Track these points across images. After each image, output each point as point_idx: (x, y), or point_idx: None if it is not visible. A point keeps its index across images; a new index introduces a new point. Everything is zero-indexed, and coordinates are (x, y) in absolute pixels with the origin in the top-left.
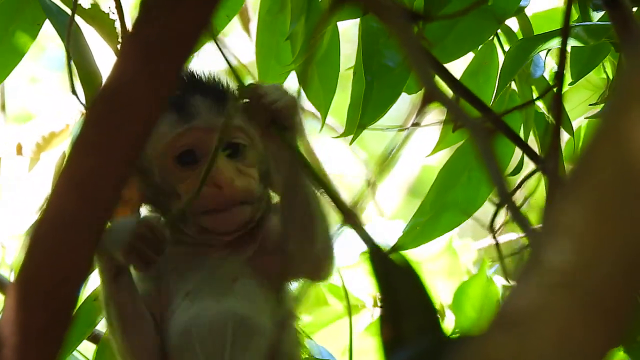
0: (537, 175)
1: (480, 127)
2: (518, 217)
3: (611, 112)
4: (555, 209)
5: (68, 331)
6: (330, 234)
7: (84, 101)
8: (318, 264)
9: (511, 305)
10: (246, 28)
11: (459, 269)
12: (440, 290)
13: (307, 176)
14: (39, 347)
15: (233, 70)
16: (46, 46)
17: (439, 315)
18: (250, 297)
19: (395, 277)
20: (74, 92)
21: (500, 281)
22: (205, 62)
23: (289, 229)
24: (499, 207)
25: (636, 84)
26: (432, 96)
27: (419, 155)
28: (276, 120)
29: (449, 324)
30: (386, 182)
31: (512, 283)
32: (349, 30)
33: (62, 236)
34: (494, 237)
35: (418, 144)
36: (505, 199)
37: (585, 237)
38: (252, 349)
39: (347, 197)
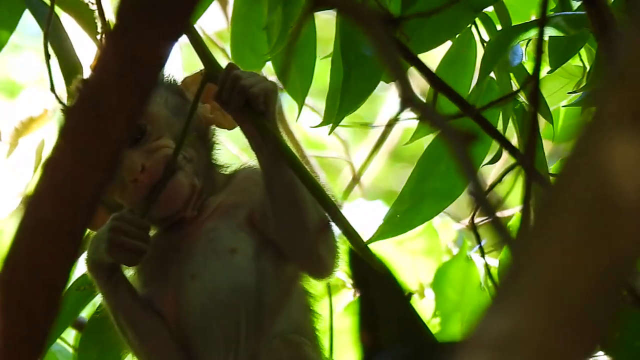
0: (516, 169)
1: (457, 134)
2: (495, 222)
3: (586, 135)
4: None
5: (49, 337)
6: (325, 226)
7: (64, 93)
8: (319, 260)
9: (487, 326)
10: (224, 10)
11: (439, 248)
12: (420, 269)
13: (286, 163)
14: (19, 354)
15: (205, 53)
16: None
17: (418, 322)
18: (252, 267)
19: (374, 283)
20: (52, 89)
21: (480, 262)
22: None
23: (276, 218)
24: (476, 209)
25: (612, 104)
26: (408, 102)
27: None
28: (251, 105)
29: (428, 305)
30: (367, 147)
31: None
32: (326, 17)
33: (42, 242)
34: (476, 233)
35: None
36: (482, 203)
37: (562, 258)
38: (264, 320)
39: (326, 179)
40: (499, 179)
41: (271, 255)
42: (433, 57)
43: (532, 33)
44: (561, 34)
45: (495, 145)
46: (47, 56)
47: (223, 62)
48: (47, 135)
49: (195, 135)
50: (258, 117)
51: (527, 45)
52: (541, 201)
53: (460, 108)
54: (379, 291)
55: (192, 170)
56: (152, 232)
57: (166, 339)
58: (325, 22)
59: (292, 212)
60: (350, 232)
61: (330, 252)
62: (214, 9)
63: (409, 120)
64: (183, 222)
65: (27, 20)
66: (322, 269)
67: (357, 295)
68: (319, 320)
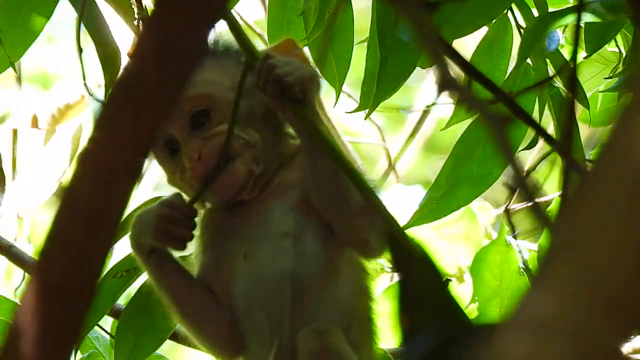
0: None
1: (495, 116)
2: (534, 207)
3: (623, 119)
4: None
5: (85, 324)
6: (368, 209)
7: (101, 80)
8: (365, 243)
9: (526, 308)
10: None
11: (477, 233)
12: (460, 254)
13: (324, 149)
14: (56, 338)
15: (244, 40)
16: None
17: (456, 306)
18: (303, 253)
19: (412, 267)
20: (85, 85)
21: (519, 246)
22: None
23: (320, 202)
24: (512, 192)
25: None
26: (446, 85)
27: (436, 110)
28: (287, 94)
29: (467, 290)
30: (402, 136)
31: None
32: (362, 3)
33: (78, 230)
34: (509, 220)
35: (433, 98)
36: (520, 186)
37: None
38: (310, 306)
39: (363, 165)
40: (537, 164)
41: (324, 237)
42: (464, 46)
43: (569, 19)
44: (598, 20)
45: (531, 132)
46: (79, 46)
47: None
48: (83, 122)
49: (261, 117)
50: (296, 105)
51: (563, 31)
52: (579, 186)
53: (493, 95)
54: (417, 275)
55: (252, 157)
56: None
57: (213, 316)
58: (360, 11)
59: (334, 196)
60: (387, 217)
61: (376, 234)
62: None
63: (446, 107)
64: (243, 201)
65: (63, 10)
66: (368, 251)
67: (396, 279)
68: (374, 303)
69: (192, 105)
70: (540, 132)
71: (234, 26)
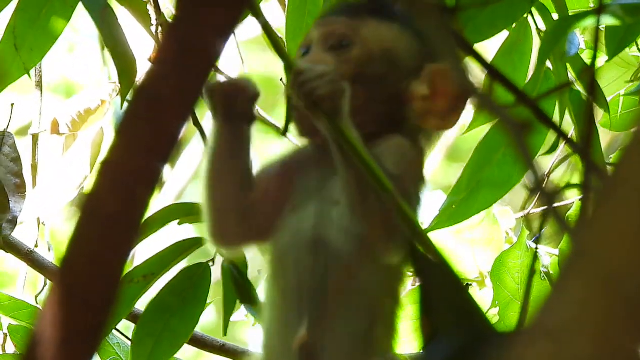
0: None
1: (515, 121)
2: (553, 211)
3: None
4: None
5: (106, 327)
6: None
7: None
8: (385, 246)
9: (547, 313)
10: (284, 7)
11: (499, 237)
12: (480, 258)
13: (353, 160)
14: (77, 344)
15: (280, 49)
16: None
17: (476, 311)
18: (345, 229)
19: (432, 272)
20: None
21: (540, 251)
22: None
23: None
24: (532, 194)
25: None
26: (467, 92)
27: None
28: (319, 107)
29: (488, 294)
30: None
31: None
32: None
33: (100, 236)
34: (527, 223)
35: None
36: (539, 191)
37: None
38: (339, 289)
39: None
40: (556, 167)
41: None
42: (486, 50)
43: (589, 21)
44: (618, 23)
45: (551, 137)
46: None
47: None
48: (104, 127)
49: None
50: (328, 116)
51: (582, 32)
52: (599, 190)
53: (516, 97)
54: (437, 280)
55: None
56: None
57: (236, 197)
58: None
59: (360, 205)
60: (409, 221)
61: (397, 240)
62: (275, 5)
63: (467, 112)
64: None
65: (85, 18)
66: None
67: (417, 284)
68: (399, 307)
69: (337, 38)
70: (561, 134)
71: (270, 33)
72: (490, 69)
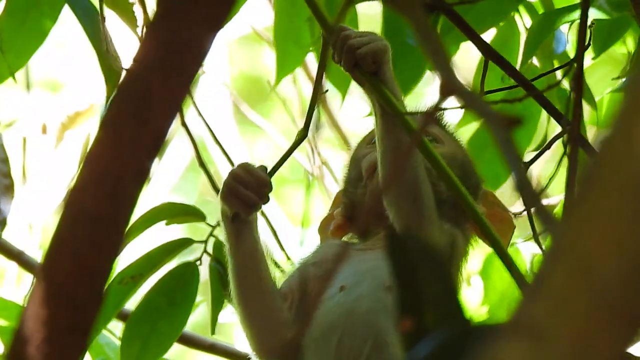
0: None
1: (500, 120)
2: (540, 210)
3: (622, 117)
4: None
5: (93, 327)
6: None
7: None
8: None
9: (525, 312)
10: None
11: None
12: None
13: (395, 122)
14: (63, 344)
15: (320, 14)
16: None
17: (461, 301)
18: (392, 317)
19: (413, 261)
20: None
21: (528, 250)
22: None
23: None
24: (519, 195)
25: None
26: (450, 89)
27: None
28: (361, 65)
29: (475, 294)
30: None
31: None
32: (370, 7)
33: (84, 233)
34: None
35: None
36: (526, 192)
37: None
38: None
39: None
40: (546, 148)
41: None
42: (473, 48)
43: (575, 15)
44: (604, 16)
45: (539, 134)
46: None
47: (271, 56)
48: (93, 129)
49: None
50: (370, 76)
51: (568, 31)
52: (579, 189)
53: (512, 77)
54: (418, 269)
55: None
56: None
57: (269, 308)
58: (369, 17)
59: (396, 169)
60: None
61: (429, 217)
62: (264, 4)
63: (455, 111)
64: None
65: (70, 17)
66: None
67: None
68: None
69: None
70: (552, 112)
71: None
72: (488, 49)
